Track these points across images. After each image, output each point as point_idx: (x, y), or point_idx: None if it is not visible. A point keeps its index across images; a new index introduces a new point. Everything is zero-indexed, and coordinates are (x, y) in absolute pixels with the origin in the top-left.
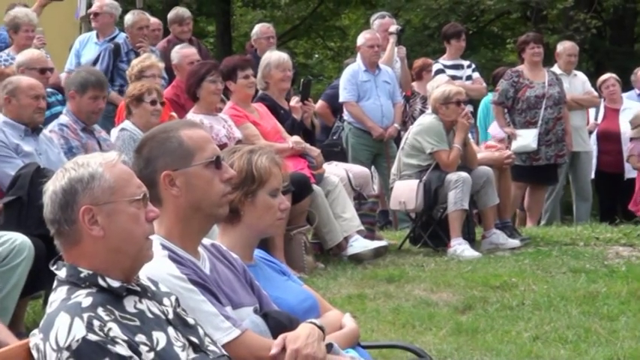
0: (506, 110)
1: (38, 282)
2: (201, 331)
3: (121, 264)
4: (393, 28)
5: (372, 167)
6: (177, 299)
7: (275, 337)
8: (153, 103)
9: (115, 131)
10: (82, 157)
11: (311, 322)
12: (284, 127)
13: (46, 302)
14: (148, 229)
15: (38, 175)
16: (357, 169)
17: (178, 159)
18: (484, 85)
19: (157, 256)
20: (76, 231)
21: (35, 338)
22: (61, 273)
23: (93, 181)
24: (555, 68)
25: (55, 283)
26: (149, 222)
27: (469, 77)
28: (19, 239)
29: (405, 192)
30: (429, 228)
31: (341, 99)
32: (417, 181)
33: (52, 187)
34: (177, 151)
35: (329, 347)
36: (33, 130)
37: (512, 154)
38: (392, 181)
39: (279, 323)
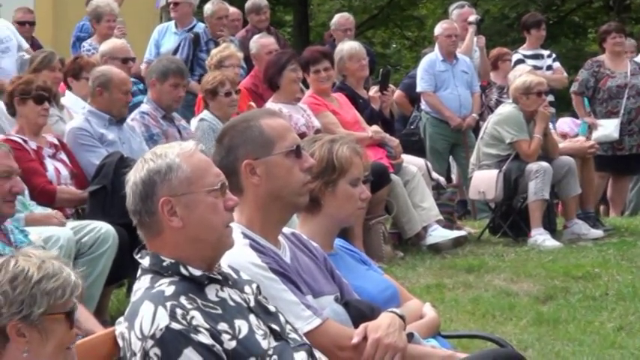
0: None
1: (122, 270)
2: (282, 319)
3: (201, 253)
4: (473, 17)
5: (450, 157)
6: (258, 287)
7: (356, 326)
8: (227, 94)
9: (194, 121)
10: (161, 147)
11: (392, 312)
12: (363, 117)
13: (129, 291)
14: (227, 218)
15: (122, 164)
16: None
17: (259, 148)
18: (565, 75)
19: (238, 245)
20: (157, 222)
21: (120, 327)
22: (145, 262)
23: (170, 172)
24: (639, 58)
25: (139, 271)
26: (228, 210)
27: (549, 67)
28: (103, 228)
29: (485, 182)
30: (509, 218)
31: (418, 89)
32: (497, 170)
33: (132, 179)
34: (257, 140)
35: (410, 337)
36: (117, 120)
37: (595, 144)
38: (471, 170)
39: (360, 312)
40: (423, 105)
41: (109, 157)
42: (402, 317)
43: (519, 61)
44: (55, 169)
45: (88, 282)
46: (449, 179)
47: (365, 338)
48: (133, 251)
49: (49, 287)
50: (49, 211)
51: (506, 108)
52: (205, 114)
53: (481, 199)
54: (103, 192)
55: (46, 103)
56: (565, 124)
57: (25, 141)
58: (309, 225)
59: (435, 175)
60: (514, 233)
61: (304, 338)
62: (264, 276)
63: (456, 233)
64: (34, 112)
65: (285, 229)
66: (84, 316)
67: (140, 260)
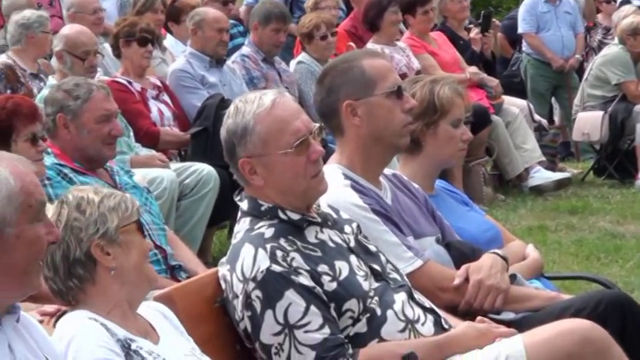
0: None
1: (224, 212)
2: (383, 259)
3: (291, 202)
4: None
5: (552, 99)
6: (358, 226)
7: (458, 267)
8: (323, 37)
9: (293, 63)
10: (243, 99)
11: (494, 253)
12: (463, 59)
13: (231, 232)
14: (311, 170)
15: (223, 106)
16: None
17: (360, 88)
18: None
19: (339, 186)
20: (242, 177)
21: (222, 269)
22: (244, 205)
23: (246, 135)
24: None
25: (239, 213)
26: (313, 163)
27: None
28: (205, 170)
29: (589, 123)
30: (615, 159)
31: (520, 30)
32: (602, 112)
33: (221, 131)
34: (359, 81)
35: (512, 278)
36: (217, 61)
37: None
38: (574, 112)
39: (461, 253)
40: (525, 46)
41: (210, 99)
42: (504, 258)
43: (625, 2)
44: (159, 110)
45: (190, 223)
46: (551, 121)
47: (467, 279)
48: (234, 193)
49: (113, 203)
50: (153, 153)
51: (612, 49)
52: (303, 56)
53: (585, 140)
54: (204, 134)
55: (150, 45)
56: None
57: (129, 83)
58: (409, 166)
59: (537, 116)
60: (620, 175)
61: (405, 278)
62: (365, 217)
63: (559, 175)
64: (138, 54)
65: (386, 170)
66: (187, 256)
67: (239, 203)
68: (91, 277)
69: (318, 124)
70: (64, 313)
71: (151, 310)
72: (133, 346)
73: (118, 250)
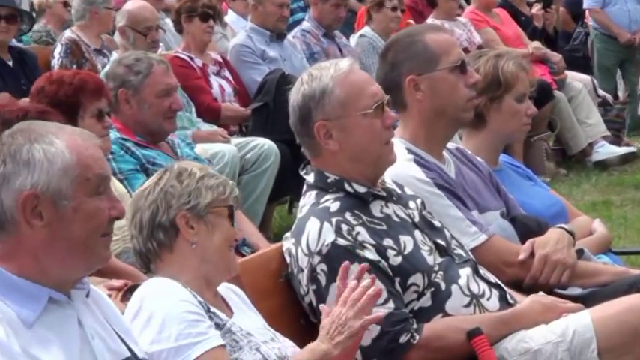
0: None
1: (284, 187)
2: (447, 234)
3: (362, 172)
4: None
5: (618, 73)
6: (422, 202)
7: (523, 242)
8: (394, 9)
9: (354, 38)
10: (317, 66)
11: (560, 227)
12: (525, 34)
13: (291, 208)
14: (385, 136)
15: (283, 81)
16: None
17: (423, 63)
18: None
19: (402, 160)
20: (314, 145)
21: (287, 242)
22: (310, 178)
23: (324, 97)
24: None
25: (305, 187)
26: (387, 128)
27: None
28: (266, 145)
29: None
30: None
31: (585, 5)
32: None
33: (291, 100)
34: (422, 55)
35: (579, 253)
36: (277, 36)
37: None
38: None
39: (527, 228)
40: (591, 21)
41: (271, 74)
42: (571, 233)
43: None
44: (220, 86)
45: (251, 198)
46: (615, 96)
47: (532, 254)
48: (294, 168)
49: (212, 183)
50: (214, 128)
51: None
52: (366, 30)
53: None
54: (265, 109)
55: (211, 21)
56: None
57: (191, 58)
58: (473, 140)
59: (601, 91)
60: None
61: (470, 254)
62: (428, 191)
63: (624, 150)
64: (200, 29)
65: (450, 145)
66: (249, 230)
67: (305, 176)
68: (170, 245)
69: (388, 96)
70: (133, 287)
71: (222, 287)
72: (212, 309)
73: (203, 228)
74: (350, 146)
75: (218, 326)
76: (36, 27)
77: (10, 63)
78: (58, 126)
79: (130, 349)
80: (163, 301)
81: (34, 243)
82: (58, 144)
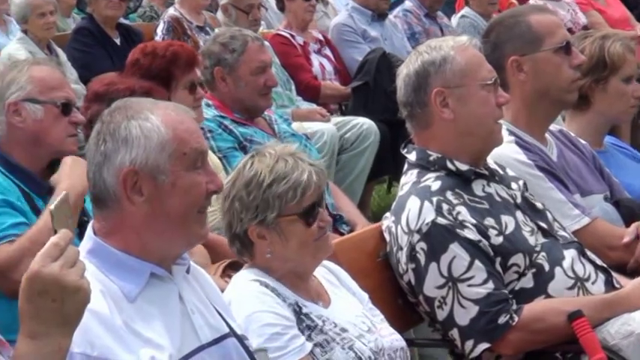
0: None
1: (383, 166)
2: (549, 216)
3: (470, 147)
4: None
5: None
6: (524, 183)
7: (627, 225)
8: None
9: (455, 18)
10: (435, 40)
11: None
12: (633, 15)
13: (390, 187)
14: (497, 113)
15: (384, 61)
16: None
17: (527, 44)
18: None
19: (504, 141)
20: (428, 114)
21: (387, 221)
22: (411, 156)
23: (445, 64)
24: None
25: (406, 166)
26: (499, 107)
27: None
28: (366, 124)
29: None
30: None
31: None
32: None
33: (405, 70)
34: (525, 36)
35: None
36: (379, 16)
37: None
38: None
39: (631, 211)
40: None
41: (372, 54)
42: None
43: None
44: (320, 64)
45: (350, 177)
46: None
47: (637, 237)
48: (394, 147)
49: (280, 190)
50: (314, 106)
51: None
52: (466, 11)
53: None
54: (365, 88)
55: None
56: None
57: (292, 36)
58: (577, 122)
59: None
60: None
61: (573, 237)
62: (530, 173)
63: None
64: (302, 7)
65: (552, 126)
66: (347, 208)
67: (407, 155)
68: (249, 253)
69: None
70: (232, 263)
71: (323, 269)
72: (304, 310)
73: (276, 238)
74: (464, 117)
75: (309, 328)
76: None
77: (118, 41)
78: (153, 101)
79: (228, 326)
80: (244, 313)
81: (136, 219)
82: (153, 119)
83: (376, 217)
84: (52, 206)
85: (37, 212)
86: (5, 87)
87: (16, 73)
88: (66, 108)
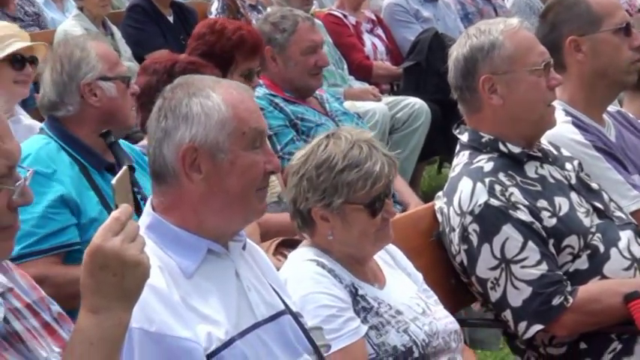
0: None
1: (434, 147)
2: (605, 197)
3: (522, 131)
4: None
5: None
6: (579, 164)
7: None
8: None
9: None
10: (485, 22)
11: None
12: None
13: (440, 167)
14: (549, 97)
15: (436, 41)
16: None
17: (585, 24)
18: None
19: (559, 122)
20: (477, 99)
21: (439, 202)
22: (463, 137)
23: (493, 50)
24: None
25: (458, 147)
26: (551, 89)
27: None
28: (417, 104)
29: None
30: None
31: None
32: None
33: (454, 54)
34: (584, 17)
35: None
36: None
37: None
38: None
39: None
40: None
41: (424, 34)
42: None
43: None
44: (372, 44)
45: (401, 157)
46: None
47: None
48: (445, 128)
49: (350, 178)
50: (366, 86)
51: None
52: None
53: None
54: (417, 68)
55: None
56: None
57: (344, 16)
58: (636, 104)
59: None
60: None
61: (631, 218)
62: (587, 154)
63: None
64: None
65: (610, 108)
66: (400, 188)
67: (459, 136)
68: (310, 230)
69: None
70: (285, 241)
71: (381, 251)
72: (360, 292)
73: (339, 222)
74: (513, 103)
75: (365, 310)
76: None
77: (171, 18)
78: (215, 79)
79: (284, 303)
80: (300, 293)
81: (194, 195)
82: (214, 97)
83: (426, 197)
84: (113, 181)
85: (95, 187)
86: (75, 68)
87: (80, 52)
88: (129, 81)
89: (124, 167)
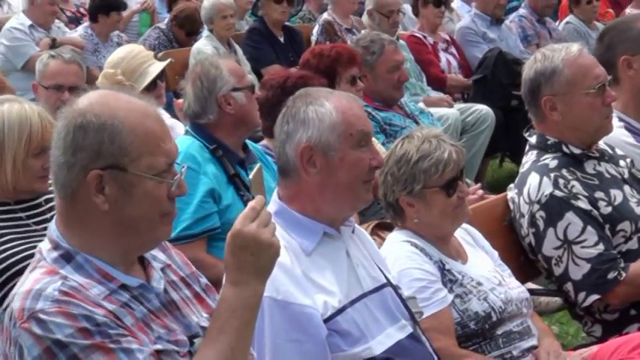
0: None
1: (497, 145)
2: None
3: (581, 138)
4: None
5: None
6: (632, 161)
7: None
8: (589, 2)
9: (561, 24)
10: (550, 48)
11: None
12: None
13: (501, 162)
14: (605, 112)
15: (500, 58)
16: None
17: (637, 45)
18: None
19: (614, 127)
20: (541, 113)
21: (511, 192)
22: (532, 139)
23: (554, 76)
24: None
25: (527, 147)
26: (607, 105)
27: None
28: (483, 110)
29: None
30: None
31: None
32: None
33: (524, 73)
34: (636, 39)
35: None
36: (497, 20)
37: None
38: None
39: None
40: None
41: (490, 52)
42: None
43: None
44: (447, 60)
45: (470, 154)
46: None
47: None
48: (506, 130)
49: (425, 166)
50: (441, 95)
51: None
52: (571, 18)
53: None
54: (484, 80)
55: (442, 7)
56: None
57: (424, 37)
58: None
59: None
60: None
61: None
62: (638, 153)
63: None
64: (433, 13)
65: None
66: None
67: (528, 138)
68: (400, 218)
69: (610, 76)
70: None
71: (462, 231)
72: (447, 267)
73: (422, 206)
74: (571, 119)
75: (451, 282)
76: None
77: (282, 39)
78: (329, 91)
79: (385, 277)
80: (397, 268)
81: (311, 187)
82: (327, 105)
83: (490, 187)
84: (250, 176)
85: (230, 177)
86: (212, 83)
87: (215, 70)
88: (253, 89)
89: (258, 164)
